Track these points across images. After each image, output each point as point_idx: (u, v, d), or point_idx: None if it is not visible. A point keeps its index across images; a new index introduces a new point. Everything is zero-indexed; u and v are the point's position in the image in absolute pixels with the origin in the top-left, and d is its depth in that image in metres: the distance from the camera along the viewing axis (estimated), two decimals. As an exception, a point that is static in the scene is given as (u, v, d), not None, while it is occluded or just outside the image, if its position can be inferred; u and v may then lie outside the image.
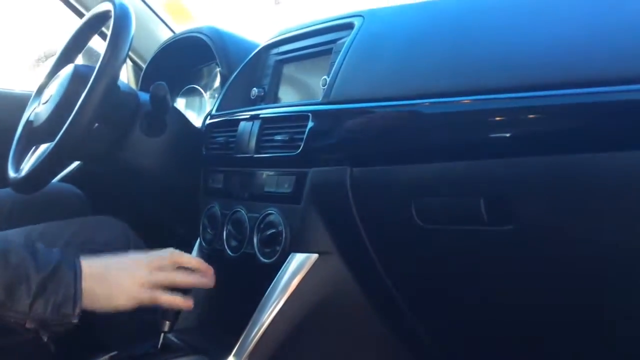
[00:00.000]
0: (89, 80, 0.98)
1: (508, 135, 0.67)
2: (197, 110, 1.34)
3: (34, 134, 1.13)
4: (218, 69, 1.28)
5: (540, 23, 0.72)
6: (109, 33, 1.01)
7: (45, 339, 0.76)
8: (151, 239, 1.06)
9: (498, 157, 0.67)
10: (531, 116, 0.65)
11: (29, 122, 1.15)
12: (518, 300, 0.72)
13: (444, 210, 0.71)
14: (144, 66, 1.51)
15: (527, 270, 0.67)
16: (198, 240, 1.04)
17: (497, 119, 0.68)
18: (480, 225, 0.68)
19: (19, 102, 1.46)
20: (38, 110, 1.12)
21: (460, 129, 0.71)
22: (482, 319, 0.79)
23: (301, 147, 0.84)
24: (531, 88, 0.65)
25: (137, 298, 0.79)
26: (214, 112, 1.07)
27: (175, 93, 1.38)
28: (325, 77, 0.88)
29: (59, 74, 1.12)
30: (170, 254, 0.84)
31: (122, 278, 0.79)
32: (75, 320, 0.75)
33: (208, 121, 1.07)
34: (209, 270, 0.85)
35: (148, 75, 1.42)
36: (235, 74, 1.09)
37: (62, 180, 1.41)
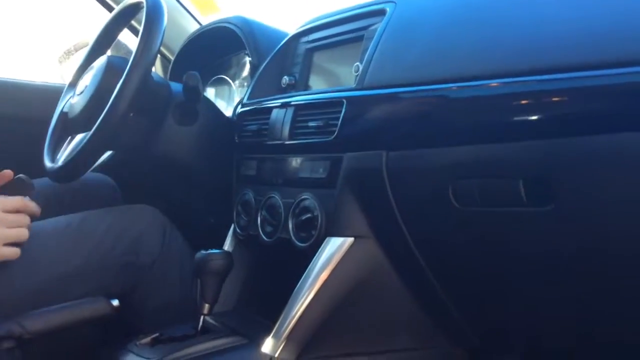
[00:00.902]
0: (123, 71, 1.00)
1: (544, 117, 0.67)
2: (226, 99, 1.35)
3: (69, 125, 1.16)
4: (247, 59, 1.29)
5: (573, 4, 0.72)
6: (142, 24, 1.03)
7: None
8: (181, 228, 1.09)
9: (536, 139, 0.67)
10: (567, 98, 0.66)
11: (63, 114, 1.18)
12: (557, 282, 0.72)
13: (481, 192, 0.71)
14: (171, 58, 1.53)
15: (567, 251, 0.68)
16: (232, 226, 1.05)
17: (532, 101, 0.69)
18: (519, 207, 0.68)
19: (51, 94, 1.49)
20: (72, 102, 1.14)
21: (495, 112, 0.72)
22: (519, 302, 0.80)
23: (336, 133, 0.85)
24: (566, 69, 0.66)
25: (2, 255, 0.85)
26: (245, 100, 1.09)
27: (204, 83, 1.40)
28: (357, 63, 0.89)
29: (92, 65, 1.15)
30: (23, 205, 0.90)
31: None
32: None
33: (240, 109, 1.09)
34: (29, 204, 0.91)
35: (177, 67, 1.44)
36: (265, 62, 1.10)
37: (94, 170, 1.43)
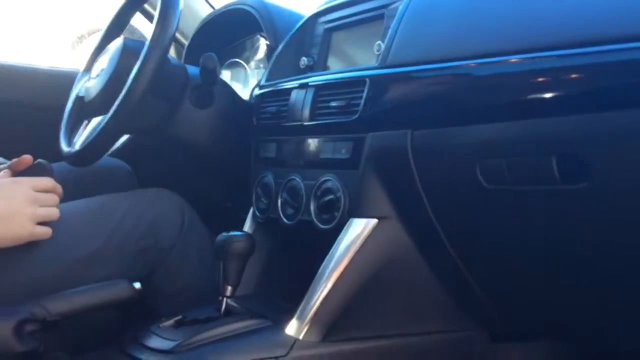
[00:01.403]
0: (140, 54, 0.99)
1: (569, 93, 0.66)
2: (241, 82, 1.34)
3: (86, 109, 1.15)
4: (262, 41, 1.28)
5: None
6: (157, 6, 1.02)
7: None
8: (198, 212, 1.08)
9: (566, 114, 0.66)
10: (592, 73, 0.64)
11: (79, 98, 1.17)
12: (592, 263, 0.71)
13: (511, 170, 0.70)
14: (185, 42, 1.52)
15: (603, 229, 0.66)
16: (251, 209, 1.05)
17: (556, 77, 0.67)
18: (552, 185, 0.67)
19: (63, 80, 1.48)
20: (88, 85, 1.13)
21: (520, 89, 0.70)
22: (548, 285, 0.79)
23: (359, 112, 0.84)
24: (591, 43, 0.64)
25: (34, 234, 0.86)
26: (263, 82, 1.08)
27: (219, 66, 1.38)
28: (379, 42, 0.88)
29: (107, 48, 1.14)
30: (53, 186, 0.92)
31: (20, 217, 0.85)
32: None
33: (258, 91, 1.08)
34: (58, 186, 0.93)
35: (191, 51, 1.43)
36: (283, 43, 1.09)
37: (109, 155, 1.43)
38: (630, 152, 0.61)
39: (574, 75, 0.66)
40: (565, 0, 0.71)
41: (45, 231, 0.87)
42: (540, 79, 0.69)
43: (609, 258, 0.69)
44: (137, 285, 0.90)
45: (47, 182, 0.91)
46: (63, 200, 1.00)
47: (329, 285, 0.84)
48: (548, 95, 0.68)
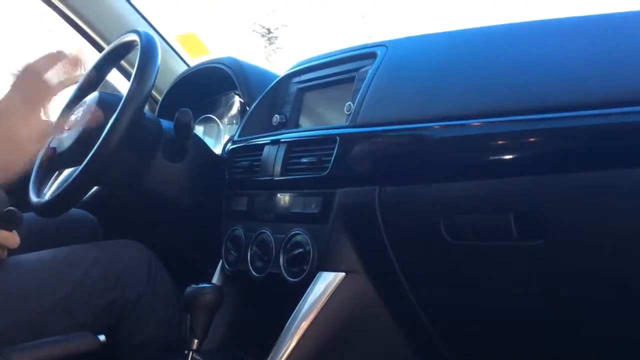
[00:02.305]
0: (115, 107, 1.01)
1: (528, 155, 0.71)
2: (214, 137, 1.37)
3: (57, 160, 1.15)
4: (236, 98, 1.32)
5: (552, 50, 0.77)
6: (135, 62, 1.05)
7: None
8: (165, 264, 1.08)
9: (525, 175, 0.70)
10: (549, 137, 0.70)
11: (50, 149, 1.17)
12: (549, 316, 0.74)
13: (473, 226, 0.74)
14: (158, 98, 1.55)
15: (559, 285, 0.70)
16: (220, 262, 1.05)
17: (516, 140, 0.72)
18: (510, 241, 0.70)
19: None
20: (62, 137, 1.14)
21: (480, 150, 0.75)
22: (511, 338, 0.81)
23: (329, 169, 0.87)
24: (548, 110, 0.70)
25: None
26: (236, 137, 1.10)
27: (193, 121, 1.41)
28: (349, 102, 0.92)
29: (83, 101, 1.15)
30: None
31: None
32: None
33: (231, 146, 1.10)
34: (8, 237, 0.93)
35: (165, 105, 1.46)
36: (257, 101, 1.12)
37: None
38: (582, 212, 0.65)
39: (530, 139, 0.71)
40: (522, 69, 0.77)
41: None
42: (499, 142, 0.74)
43: (567, 311, 0.72)
44: (102, 337, 0.89)
45: None
46: (29, 250, 0.99)
47: (296, 339, 0.84)
48: (506, 157, 0.73)
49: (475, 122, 0.75)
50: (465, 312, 0.82)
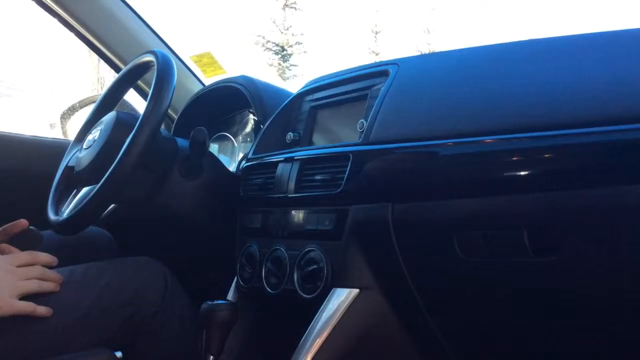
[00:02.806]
0: (132, 127, 1.03)
1: (540, 172, 0.71)
2: (229, 155, 1.39)
3: (75, 178, 1.17)
4: (250, 117, 1.34)
5: (565, 67, 0.78)
6: (152, 82, 1.07)
7: None
8: (180, 280, 1.09)
9: (539, 191, 0.70)
10: (560, 154, 0.70)
11: (68, 167, 1.20)
12: (564, 332, 0.74)
13: (487, 243, 0.74)
14: (174, 116, 1.57)
15: (574, 300, 0.70)
16: (234, 279, 1.06)
17: (528, 157, 0.73)
18: (524, 257, 0.71)
19: (53, 149, 1.51)
20: (80, 155, 1.16)
21: (493, 167, 0.76)
22: (525, 353, 0.81)
23: (342, 186, 0.88)
24: (558, 127, 0.70)
25: (14, 307, 0.86)
26: (250, 155, 1.12)
27: (208, 139, 1.43)
28: (362, 120, 0.93)
29: (101, 120, 1.18)
30: (33, 258, 0.93)
31: None
32: None
33: (245, 164, 1.12)
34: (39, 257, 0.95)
35: (181, 123, 1.48)
36: (270, 119, 1.14)
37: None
38: (597, 227, 0.65)
39: (543, 155, 0.72)
40: (535, 86, 0.78)
41: (26, 306, 0.87)
42: (512, 158, 0.74)
43: (580, 329, 0.71)
44: (119, 354, 0.90)
45: (25, 256, 0.93)
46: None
47: (310, 355, 0.85)
48: (520, 173, 0.73)
49: (488, 139, 0.76)
50: (480, 327, 0.82)
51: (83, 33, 1.56)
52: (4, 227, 1.01)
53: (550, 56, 0.81)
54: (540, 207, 0.70)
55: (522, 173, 0.72)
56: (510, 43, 0.86)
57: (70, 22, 1.53)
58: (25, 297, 0.89)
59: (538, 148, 0.71)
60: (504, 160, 0.75)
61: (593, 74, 0.74)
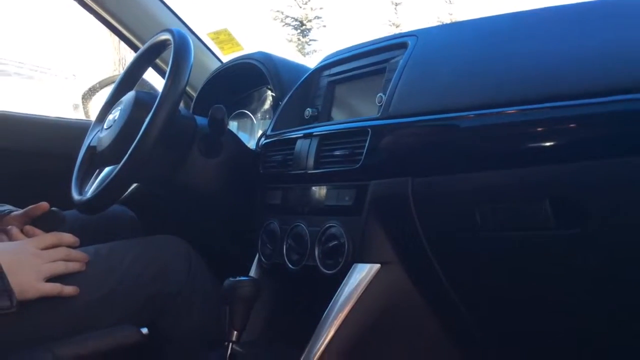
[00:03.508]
0: (151, 106, 1.04)
1: (562, 142, 0.70)
2: (248, 132, 1.39)
3: (97, 158, 1.18)
4: (268, 93, 1.33)
5: (590, 33, 0.75)
6: (169, 61, 1.07)
7: None
8: (203, 258, 1.10)
9: (560, 162, 0.69)
10: (583, 123, 0.68)
11: (91, 147, 1.21)
12: (586, 306, 0.73)
13: (509, 216, 0.73)
14: (193, 94, 1.58)
15: (596, 273, 0.68)
16: (256, 255, 1.07)
17: (550, 127, 0.71)
18: (546, 230, 0.69)
19: (72, 129, 1.53)
20: (101, 136, 1.17)
21: (514, 138, 0.74)
22: (547, 327, 0.80)
23: (361, 161, 0.87)
24: (581, 96, 0.68)
25: (40, 290, 0.87)
26: (269, 132, 1.12)
27: (227, 117, 1.43)
28: (381, 94, 0.92)
29: (120, 100, 1.18)
30: (57, 239, 0.95)
31: (25, 273, 0.87)
32: (14, 310, 0.82)
33: (264, 141, 1.12)
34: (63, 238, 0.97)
35: (199, 102, 1.48)
36: (288, 95, 1.13)
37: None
38: (621, 199, 0.64)
39: (568, 125, 0.70)
40: (559, 54, 0.75)
41: (53, 287, 0.89)
42: (536, 129, 0.72)
43: (603, 300, 0.70)
44: (144, 330, 0.92)
45: (50, 238, 0.94)
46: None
47: (333, 330, 0.85)
48: (544, 144, 0.71)
49: (510, 110, 0.75)
50: (502, 300, 0.81)
51: (101, 13, 1.56)
52: (25, 209, 1.03)
53: (574, 22, 0.79)
54: (563, 178, 0.69)
55: (545, 144, 0.71)
56: (531, 10, 0.84)
57: (88, 2, 1.54)
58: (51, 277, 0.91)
59: (562, 118, 0.69)
60: (527, 131, 0.73)
61: (620, 40, 0.71)
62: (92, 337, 0.86)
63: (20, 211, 1.04)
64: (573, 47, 0.75)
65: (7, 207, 1.08)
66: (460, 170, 0.77)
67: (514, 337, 0.85)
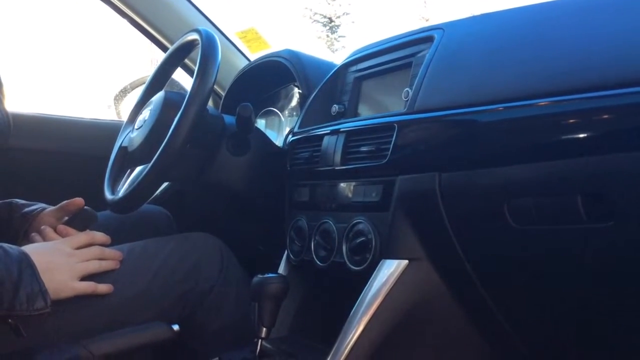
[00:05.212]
0: (180, 106, 1.05)
1: (594, 134, 0.68)
2: (275, 130, 1.39)
3: (129, 158, 1.21)
4: (295, 90, 1.33)
5: (620, 22, 0.73)
6: (197, 61, 1.08)
7: (22, 331, 0.83)
8: (234, 255, 1.11)
9: (592, 155, 0.67)
10: (616, 114, 0.66)
11: (122, 148, 1.23)
12: (620, 301, 0.71)
13: (539, 210, 0.71)
14: (222, 93, 1.59)
15: (629, 268, 0.67)
16: (285, 252, 1.07)
17: (581, 119, 0.69)
18: (578, 224, 0.68)
19: (106, 130, 1.56)
20: (132, 136, 1.20)
21: (545, 131, 0.72)
22: (578, 322, 0.78)
23: (388, 156, 0.87)
24: (613, 86, 0.66)
25: (75, 289, 0.89)
26: (296, 129, 1.12)
27: (254, 115, 1.44)
28: (407, 89, 0.91)
29: (150, 101, 1.20)
30: (90, 238, 0.97)
31: (60, 273, 0.89)
32: (48, 310, 0.83)
33: (291, 138, 1.12)
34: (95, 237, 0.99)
35: (228, 101, 1.50)
36: (315, 92, 1.13)
37: (149, 202, 1.49)
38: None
39: (600, 117, 0.68)
40: (590, 44, 0.73)
41: (87, 286, 0.91)
42: (567, 121, 0.70)
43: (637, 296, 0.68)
44: (176, 327, 0.93)
45: (83, 237, 0.97)
46: (107, 245, 1.05)
47: (362, 326, 0.85)
48: (575, 136, 0.69)
49: (540, 102, 0.73)
50: (532, 295, 0.80)
51: (131, 15, 1.59)
52: (61, 204, 1.06)
53: (606, 10, 0.76)
54: (595, 171, 0.67)
55: (577, 136, 0.69)
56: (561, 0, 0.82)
57: (117, 5, 1.56)
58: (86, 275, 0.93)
59: (594, 109, 0.67)
60: (558, 123, 0.71)
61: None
62: (125, 334, 0.88)
63: (55, 207, 1.07)
64: (605, 35, 0.73)
65: (41, 205, 1.11)
66: (488, 165, 0.76)
67: (544, 332, 0.84)
